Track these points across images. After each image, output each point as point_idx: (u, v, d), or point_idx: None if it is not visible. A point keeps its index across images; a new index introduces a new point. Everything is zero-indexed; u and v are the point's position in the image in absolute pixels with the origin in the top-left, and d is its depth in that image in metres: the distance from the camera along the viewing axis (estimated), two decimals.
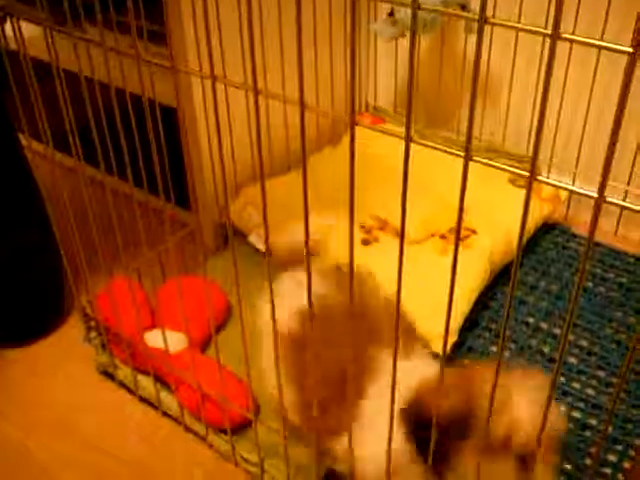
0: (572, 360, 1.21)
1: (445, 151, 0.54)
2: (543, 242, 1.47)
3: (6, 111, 1.16)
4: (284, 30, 1.31)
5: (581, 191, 0.51)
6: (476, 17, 0.48)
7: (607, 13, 1.31)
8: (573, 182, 1.49)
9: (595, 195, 0.50)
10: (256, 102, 0.63)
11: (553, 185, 0.52)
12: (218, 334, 1.23)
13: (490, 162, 0.54)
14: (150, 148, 0.85)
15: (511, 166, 1.53)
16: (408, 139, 0.55)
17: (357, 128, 1.64)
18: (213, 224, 1.41)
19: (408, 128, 0.54)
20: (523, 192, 1.44)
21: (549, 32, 0.45)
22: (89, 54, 0.88)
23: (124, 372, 1.18)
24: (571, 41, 0.46)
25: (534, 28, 0.48)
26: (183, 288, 1.16)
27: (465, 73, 1.54)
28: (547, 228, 1.49)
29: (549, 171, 1.51)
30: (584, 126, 1.43)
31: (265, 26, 1.30)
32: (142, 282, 1.20)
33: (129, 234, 1.04)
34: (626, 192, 1.43)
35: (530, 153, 1.56)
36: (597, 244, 1.46)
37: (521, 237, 0.56)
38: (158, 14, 0.95)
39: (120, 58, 0.83)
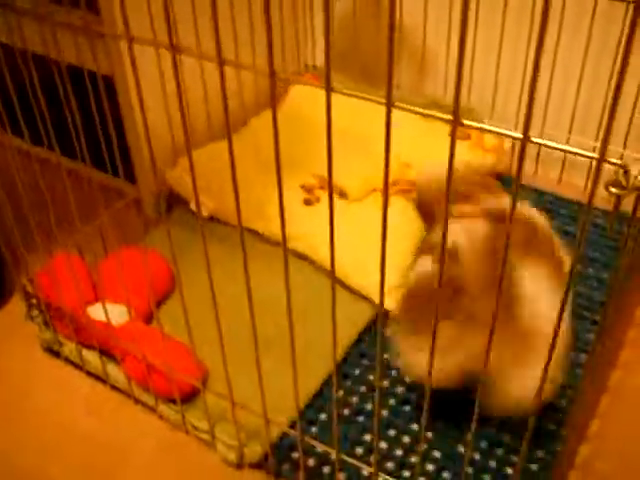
0: None
1: (365, 99, 0.53)
2: None
3: None
4: None
5: (506, 132, 0.50)
6: None
7: None
8: (514, 130, 1.48)
9: (520, 136, 0.49)
10: (174, 59, 0.61)
11: (477, 128, 0.51)
12: (163, 303, 1.21)
13: (412, 108, 0.52)
14: (84, 118, 0.83)
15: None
16: (329, 89, 0.53)
17: (295, 89, 1.62)
18: (153, 193, 1.39)
19: (328, 78, 0.53)
20: (463, 143, 1.44)
21: None
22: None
23: (69, 348, 1.15)
24: None
25: None
26: (124, 260, 1.14)
27: (402, 29, 1.53)
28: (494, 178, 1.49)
29: (490, 120, 1.51)
30: (523, 76, 1.42)
31: None
32: (84, 256, 1.18)
33: (67, 207, 1.01)
34: (568, 139, 1.44)
35: (471, 104, 1.55)
36: (542, 192, 1.47)
37: (449, 183, 0.55)
38: None
39: (38, 23, 0.80)
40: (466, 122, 0.51)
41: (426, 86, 1.58)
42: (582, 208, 1.42)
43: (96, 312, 1.11)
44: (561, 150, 0.49)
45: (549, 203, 1.45)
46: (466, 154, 1.39)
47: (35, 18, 0.79)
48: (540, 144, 0.49)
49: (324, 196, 1.31)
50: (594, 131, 1.42)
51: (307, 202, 1.29)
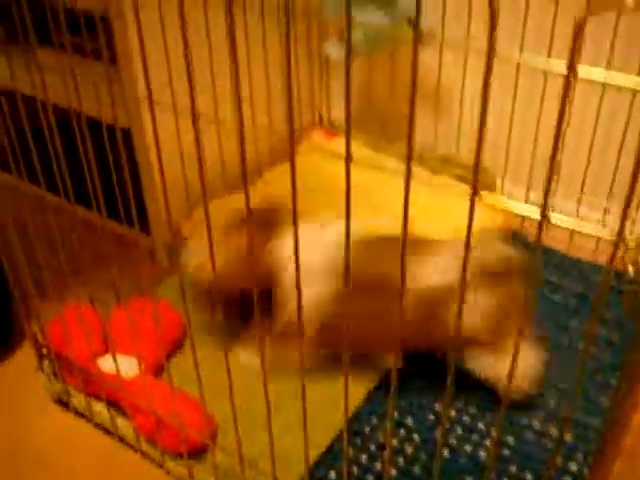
0: None
1: (390, 169, 0.54)
2: None
3: None
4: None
5: (525, 213, 0.51)
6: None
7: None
8: (527, 193, 1.50)
9: (538, 217, 0.50)
10: (195, 124, 0.62)
11: (497, 207, 0.52)
12: (174, 355, 1.21)
13: (434, 180, 0.53)
14: (99, 167, 0.84)
15: (465, 177, 1.53)
16: (348, 158, 0.54)
17: (309, 143, 1.63)
18: (166, 244, 1.39)
19: (348, 147, 0.53)
20: (476, 203, 1.45)
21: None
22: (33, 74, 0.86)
23: (78, 399, 1.15)
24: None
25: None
26: (135, 311, 1.14)
27: (419, 87, 1.54)
28: (504, 237, 1.49)
29: (503, 181, 1.51)
30: (535, 136, 1.43)
31: (215, 44, 1.28)
32: (95, 306, 1.18)
33: (80, 256, 1.01)
34: (579, 199, 1.44)
35: (485, 163, 1.56)
36: (552, 251, 1.47)
37: (468, 247, 0.55)
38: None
39: (61, 76, 0.81)
40: (484, 196, 0.52)
41: (439, 139, 1.59)
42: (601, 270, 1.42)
43: (106, 364, 1.11)
44: (581, 233, 0.50)
45: (559, 262, 1.45)
46: (477, 213, 1.40)
47: (58, 71, 0.80)
48: (559, 226, 0.50)
49: None
50: (606, 190, 1.43)
51: None
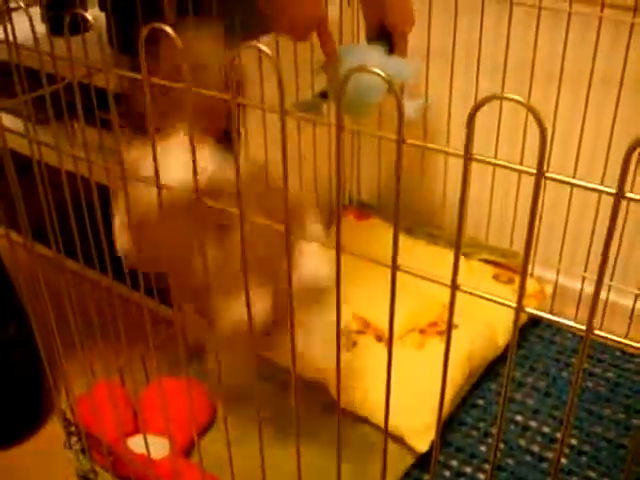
0: (562, 460, 1.19)
1: (433, 281, 0.55)
2: (529, 337, 1.46)
3: None
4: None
5: (571, 324, 0.52)
6: (459, 152, 0.49)
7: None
8: (557, 275, 1.50)
9: (583, 328, 0.50)
10: (242, 226, 0.63)
11: (541, 317, 0.53)
12: (202, 437, 1.21)
13: (477, 292, 0.54)
14: None
15: (494, 261, 1.53)
16: (395, 267, 0.55)
17: (342, 220, 1.63)
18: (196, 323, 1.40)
19: (395, 257, 0.54)
20: (507, 288, 1.44)
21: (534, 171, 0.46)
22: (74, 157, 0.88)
23: (104, 478, 1.15)
24: (555, 180, 0.47)
25: (512, 166, 0.49)
26: (166, 390, 1.14)
27: (447, 171, 1.56)
28: (533, 322, 1.49)
29: (533, 267, 1.52)
30: (566, 219, 1.44)
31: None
32: (125, 384, 1.18)
33: (112, 332, 1.02)
34: (609, 287, 1.44)
35: (514, 248, 1.56)
36: (582, 336, 1.46)
37: (513, 348, 0.56)
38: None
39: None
40: (529, 310, 0.53)
41: (468, 220, 1.60)
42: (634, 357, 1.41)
43: (136, 444, 1.11)
44: (620, 342, 0.51)
45: (591, 348, 1.44)
46: (509, 298, 1.40)
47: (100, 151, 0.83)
48: (603, 336, 0.51)
49: (361, 340, 1.30)
50: (636, 276, 1.43)
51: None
